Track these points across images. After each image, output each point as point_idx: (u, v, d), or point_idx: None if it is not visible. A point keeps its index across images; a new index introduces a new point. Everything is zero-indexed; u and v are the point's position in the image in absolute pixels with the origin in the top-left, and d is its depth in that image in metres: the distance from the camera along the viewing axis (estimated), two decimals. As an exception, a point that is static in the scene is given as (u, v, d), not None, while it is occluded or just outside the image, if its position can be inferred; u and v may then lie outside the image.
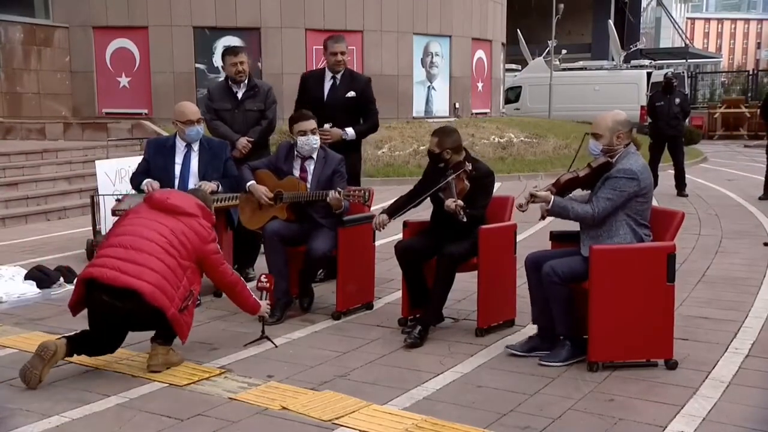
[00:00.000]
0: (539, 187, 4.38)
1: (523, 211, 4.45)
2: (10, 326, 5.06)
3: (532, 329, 4.95)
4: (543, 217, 4.51)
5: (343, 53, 6.09)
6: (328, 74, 6.18)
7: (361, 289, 5.40)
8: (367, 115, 6.27)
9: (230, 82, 6.29)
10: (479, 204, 4.77)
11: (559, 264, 4.28)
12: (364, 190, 5.05)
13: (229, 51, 6.37)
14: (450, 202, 4.54)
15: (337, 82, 6.14)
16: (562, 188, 4.37)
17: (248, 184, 5.40)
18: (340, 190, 5.07)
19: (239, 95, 6.27)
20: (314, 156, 5.40)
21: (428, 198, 4.91)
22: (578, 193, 4.50)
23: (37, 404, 3.72)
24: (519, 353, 4.43)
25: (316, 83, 6.22)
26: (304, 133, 5.32)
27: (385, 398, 3.80)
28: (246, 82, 6.28)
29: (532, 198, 4.31)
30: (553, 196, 4.29)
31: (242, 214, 5.57)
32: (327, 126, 5.96)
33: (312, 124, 5.35)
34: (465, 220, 4.50)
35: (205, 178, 5.69)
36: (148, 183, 5.55)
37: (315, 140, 5.34)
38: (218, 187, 5.64)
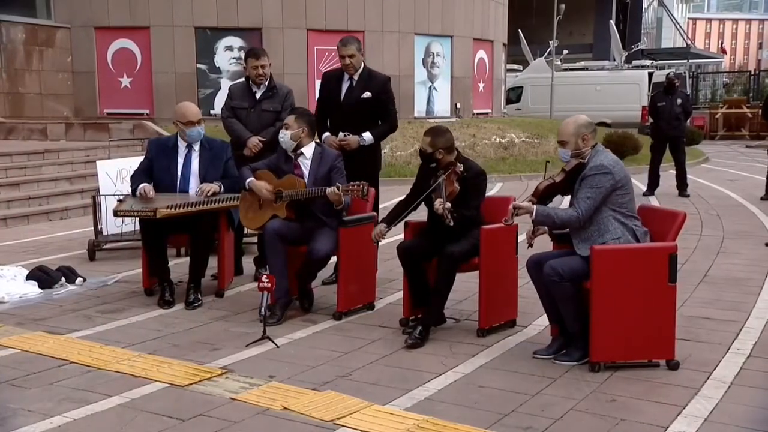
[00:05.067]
0: (519, 199, 4.42)
1: (509, 225, 4.47)
2: (12, 326, 5.06)
3: (534, 329, 4.97)
4: (530, 245, 4.51)
5: (351, 56, 5.99)
6: (346, 75, 6.12)
7: (362, 289, 5.40)
8: (385, 116, 6.16)
9: (250, 83, 6.30)
10: (472, 204, 4.77)
11: (559, 263, 4.29)
12: (362, 185, 5.05)
13: (251, 54, 6.33)
14: (437, 205, 4.54)
15: (354, 83, 6.07)
16: (541, 196, 4.42)
17: (248, 181, 5.39)
18: (339, 185, 5.07)
19: (257, 95, 6.27)
20: (306, 153, 5.40)
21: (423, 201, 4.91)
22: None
23: (39, 404, 3.73)
24: (546, 357, 4.41)
25: (334, 84, 6.15)
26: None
27: (387, 398, 3.80)
28: (266, 83, 6.27)
29: (516, 210, 4.33)
30: (534, 206, 4.31)
31: (242, 214, 5.56)
32: (342, 135, 5.95)
33: (287, 119, 5.43)
34: (452, 224, 4.49)
35: (206, 178, 5.70)
36: (141, 188, 5.56)
37: (282, 134, 5.36)
38: (220, 188, 5.65)
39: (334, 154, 5.47)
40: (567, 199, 4.58)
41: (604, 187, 4.23)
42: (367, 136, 6.03)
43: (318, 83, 15.54)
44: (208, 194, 5.57)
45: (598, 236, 4.26)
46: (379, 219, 5.42)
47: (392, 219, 5.00)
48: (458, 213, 4.56)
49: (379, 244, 5.31)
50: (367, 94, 6.05)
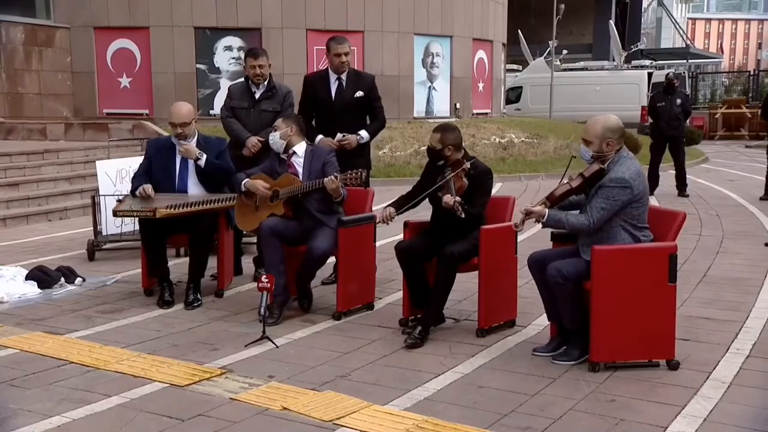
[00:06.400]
0: (531, 204, 4.36)
1: (519, 231, 4.44)
2: (11, 326, 5.06)
3: (533, 329, 4.96)
4: (538, 221, 4.49)
5: (346, 54, 6.05)
6: (332, 75, 6.14)
7: (361, 289, 5.40)
8: (375, 113, 6.25)
9: (250, 83, 6.30)
10: (478, 202, 4.77)
11: (563, 265, 4.27)
12: (360, 172, 5.05)
13: (249, 53, 6.34)
14: (448, 198, 4.54)
15: (343, 83, 6.10)
16: (556, 201, 4.34)
17: (244, 182, 5.40)
18: (336, 174, 5.08)
19: (257, 95, 6.26)
20: (298, 151, 5.41)
21: (427, 198, 4.91)
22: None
23: (39, 404, 3.73)
24: (545, 354, 4.42)
25: (321, 85, 6.16)
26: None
27: (386, 398, 3.80)
28: (266, 83, 6.28)
29: (527, 215, 4.30)
30: (547, 210, 4.27)
31: (238, 218, 5.56)
32: (340, 135, 5.96)
33: (275, 123, 5.50)
34: (463, 216, 4.49)
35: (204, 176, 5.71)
36: (141, 188, 5.56)
37: (271, 137, 5.41)
38: (201, 155, 5.62)
39: (326, 149, 5.52)
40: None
41: (621, 201, 4.15)
42: (364, 134, 6.08)
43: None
44: (189, 152, 5.61)
45: (606, 243, 4.23)
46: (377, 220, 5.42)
47: (400, 206, 5.01)
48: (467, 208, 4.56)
49: (378, 244, 5.30)
50: (359, 94, 6.10)
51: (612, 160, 4.25)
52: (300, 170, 5.37)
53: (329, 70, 6.17)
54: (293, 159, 5.41)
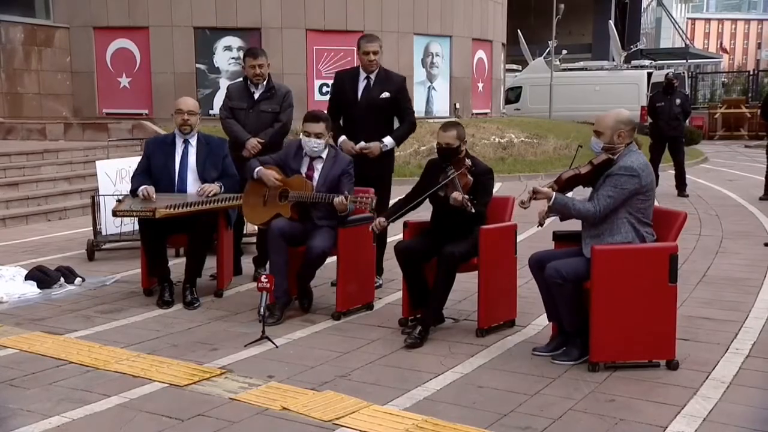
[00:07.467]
0: (541, 184, 4.38)
1: (525, 208, 4.41)
2: (10, 326, 5.06)
3: (533, 329, 4.97)
4: (541, 224, 4.47)
5: (375, 53, 5.88)
6: (362, 74, 6.00)
7: (361, 289, 5.40)
8: (403, 116, 6.07)
9: (249, 83, 6.28)
10: (480, 202, 4.77)
11: (562, 265, 4.27)
12: (371, 197, 5.03)
13: (249, 53, 6.31)
14: (457, 195, 4.53)
15: (371, 83, 5.96)
16: (563, 185, 4.36)
17: (257, 169, 5.34)
18: (346, 194, 5.05)
19: (256, 95, 6.23)
20: (323, 155, 5.38)
21: (427, 199, 4.90)
22: (579, 193, 4.49)
23: (38, 404, 3.73)
24: (545, 354, 4.42)
25: (350, 83, 6.02)
26: (307, 134, 5.27)
27: (386, 398, 3.80)
28: (264, 83, 6.26)
29: (534, 194, 4.31)
30: (554, 193, 4.28)
31: (245, 209, 5.52)
32: (362, 143, 5.83)
33: (318, 127, 5.25)
34: (474, 211, 4.49)
35: (204, 173, 5.70)
36: (143, 189, 5.56)
37: (315, 144, 5.26)
38: (221, 189, 5.64)
39: (347, 159, 5.42)
40: (588, 189, 4.52)
41: (628, 189, 4.17)
42: (388, 141, 5.91)
43: (317, 83, 15.45)
44: (209, 195, 5.57)
45: (609, 236, 4.24)
46: None
47: (392, 214, 4.99)
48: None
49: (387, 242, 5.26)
50: (385, 95, 5.93)
51: (621, 152, 4.28)
52: (317, 174, 5.34)
53: (360, 68, 6.03)
54: (314, 161, 5.36)
